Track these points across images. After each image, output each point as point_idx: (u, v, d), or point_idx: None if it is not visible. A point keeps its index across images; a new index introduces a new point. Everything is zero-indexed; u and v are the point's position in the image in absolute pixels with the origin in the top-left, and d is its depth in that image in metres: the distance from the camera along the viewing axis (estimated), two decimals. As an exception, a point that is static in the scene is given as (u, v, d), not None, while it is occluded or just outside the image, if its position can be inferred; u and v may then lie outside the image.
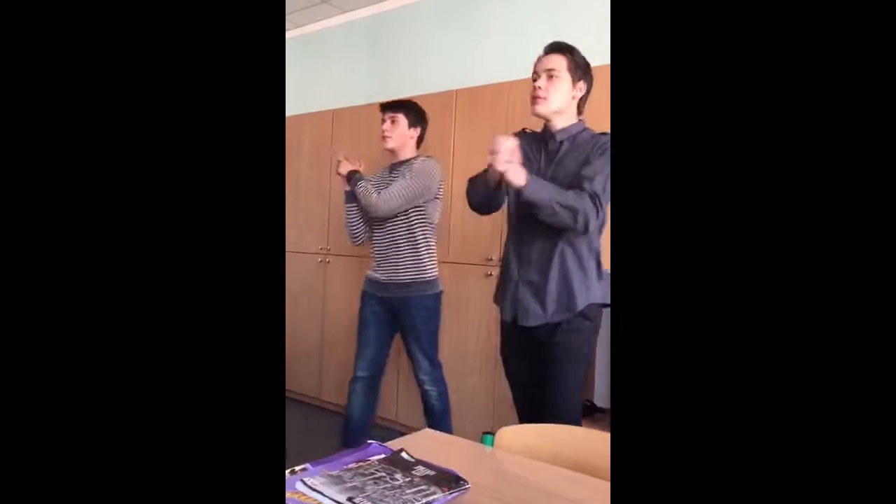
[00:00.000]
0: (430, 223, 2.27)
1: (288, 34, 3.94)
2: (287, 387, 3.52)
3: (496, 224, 2.59)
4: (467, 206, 2.67)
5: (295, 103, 3.78)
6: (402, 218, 2.20)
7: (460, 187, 2.71)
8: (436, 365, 2.31)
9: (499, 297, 1.72)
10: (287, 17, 3.71)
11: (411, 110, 2.27)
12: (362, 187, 2.18)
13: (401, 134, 2.24)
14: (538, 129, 1.69)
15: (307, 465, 0.88)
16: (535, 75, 1.58)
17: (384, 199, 2.12)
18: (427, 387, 2.28)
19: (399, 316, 2.25)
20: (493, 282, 2.56)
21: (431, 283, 2.25)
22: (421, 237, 2.22)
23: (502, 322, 1.71)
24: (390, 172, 2.28)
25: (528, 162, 1.55)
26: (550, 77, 1.55)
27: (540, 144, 1.64)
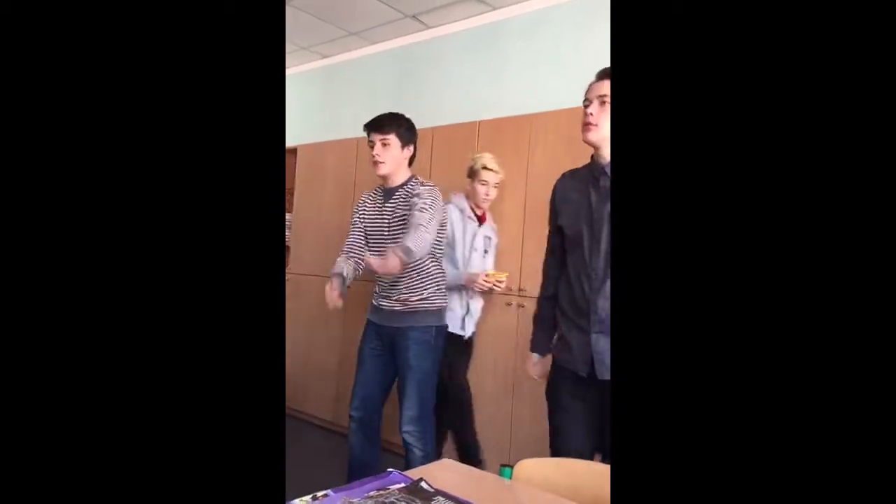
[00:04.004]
0: (438, 250, 2.05)
1: (316, 64, 4.06)
2: (304, 410, 3.53)
3: (515, 251, 2.60)
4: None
5: (321, 131, 3.87)
6: None
7: (481, 216, 2.75)
8: (425, 415, 1.98)
9: (560, 346, 1.51)
10: (316, 48, 3.83)
11: (402, 127, 1.99)
12: (385, 262, 1.79)
13: (394, 158, 1.97)
14: (578, 166, 1.58)
15: (329, 492, 0.89)
16: (587, 101, 1.49)
17: (419, 245, 1.82)
18: (410, 440, 1.96)
19: (395, 349, 2.02)
20: (514, 311, 2.58)
21: (433, 313, 2.01)
22: (425, 265, 2.00)
23: (566, 370, 1.49)
24: (386, 200, 2.03)
25: (576, 202, 1.47)
26: (602, 103, 1.46)
27: (588, 182, 1.50)
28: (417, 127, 3.13)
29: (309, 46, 3.81)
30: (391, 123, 1.98)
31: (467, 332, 2.44)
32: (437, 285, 2.04)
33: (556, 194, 1.59)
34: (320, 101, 4.01)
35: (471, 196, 2.45)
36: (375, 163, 1.99)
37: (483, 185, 2.39)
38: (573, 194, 1.51)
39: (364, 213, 2.11)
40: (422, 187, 1.98)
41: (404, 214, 1.96)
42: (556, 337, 1.58)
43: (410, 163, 2.07)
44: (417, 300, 1.99)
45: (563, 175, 1.61)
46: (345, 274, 2.00)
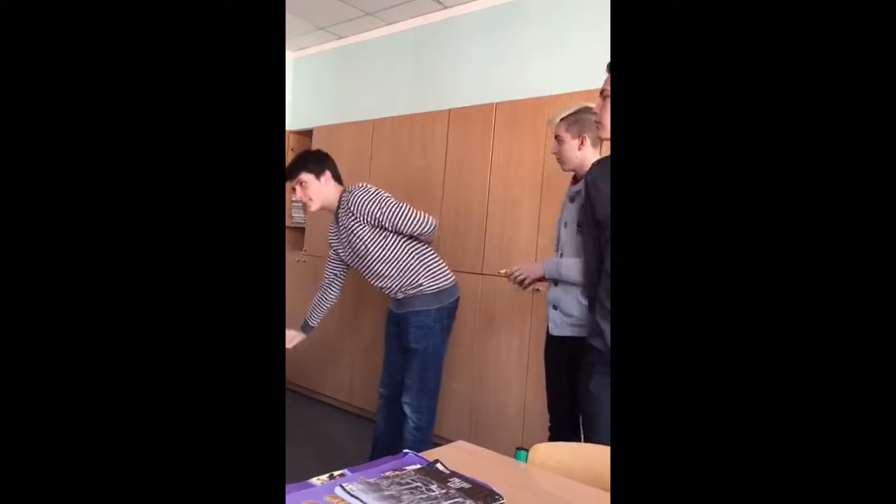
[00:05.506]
0: (415, 238, 2.10)
1: (332, 45, 4.03)
2: (319, 391, 3.57)
3: (531, 235, 2.59)
4: (505, 217, 2.69)
5: (337, 112, 3.86)
6: (377, 239, 2.08)
7: (498, 197, 2.74)
8: (424, 390, 2.10)
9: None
10: (331, 29, 3.80)
11: (308, 161, 2.12)
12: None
13: (316, 190, 2.11)
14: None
15: (346, 471, 0.90)
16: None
17: (425, 227, 2.03)
18: (406, 410, 2.11)
19: (401, 333, 2.16)
20: (526, 295, 2.57)
21: (432, 296, 2.10)
22: (403, 258, 2.09)
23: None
24: (338, 223, 2.17)
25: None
26: (605, 98, 1.39)
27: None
28: (434, 108, 3.10)
29: (325, 27, 3.78)
30: (296, 166, 2.12)
31: (552, 329, 1.87)
32: (428, 269, 2.12)
33: (589, 184, 1.48)
34: (336, 83, 3.99)
35: None
36: (303, 205, 2.15)
37: None
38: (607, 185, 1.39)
39: (334, 244, 2.27)
40: (352, 199, 2.06)
41: (353, 226, 2.09)
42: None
43: (339, 180, 2.18)
44: (412, 290, 2.11)
45: (595, 164, 1.55)
46: (311, 323, 2.34)
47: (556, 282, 1.85)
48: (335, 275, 2.33)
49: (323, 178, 2.12)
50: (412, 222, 2.04)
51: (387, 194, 2.09)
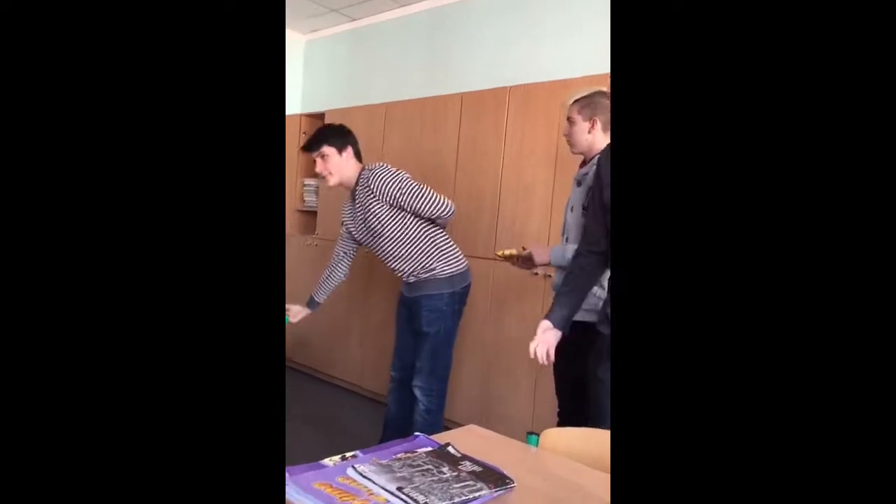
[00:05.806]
0: (424, 220, 2.10)
1: (344, 27, 4.00)
2: (329, 373, 3.60)
3: (544, 220, 2.58)
4: (516, 201, 2.67)
5: (349, 95, 3.84)
6: (394, 219, 2.08)
7: (510, 183, 2.72)
8: (437, 377, 2.13)
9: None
10: (344, 11, 3.77)
11: (331, 135, 2.12)
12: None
13: (337, 165, 2.10)
14: None
15: (357, 453, 0.91)
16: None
17: (444, 210, 2.05)
18: (417, 393, 2.13)
19: (413, 316, 2.17)
20: (539, 280, 2.57)
21: (444, 280, 2.10)
22: (418, 241, 2.10)
23: None
24: (353, 202, 2.17)
25: None
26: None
27: None
28: (447, 92, 3.08)
29: (338, 9, 3.75)
30: (319, 139, 2.11)
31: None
32: (442, 253, 2.12)
33: (601, 166, 1.47)
34: (349, 65, 3.97)
35: None
36: (323, 178, 2.14)
37: None
38: None
39: (347, 221, 2.26)
40: (373, 177, 2.05)
41: (371, 204, 2.08)
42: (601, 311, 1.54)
43: (360, 158, 2.17)
44: (425, 273, 2.11)
45: (608, 147, 1.55)
46: (317, 300, 2.32)
47: (562, 268, 1.84)
48: (345, 252, 2.33)
49: (345, 154, 2.11)
50: (431, 205, 2.04)
51: (407, 175, 2.08)
